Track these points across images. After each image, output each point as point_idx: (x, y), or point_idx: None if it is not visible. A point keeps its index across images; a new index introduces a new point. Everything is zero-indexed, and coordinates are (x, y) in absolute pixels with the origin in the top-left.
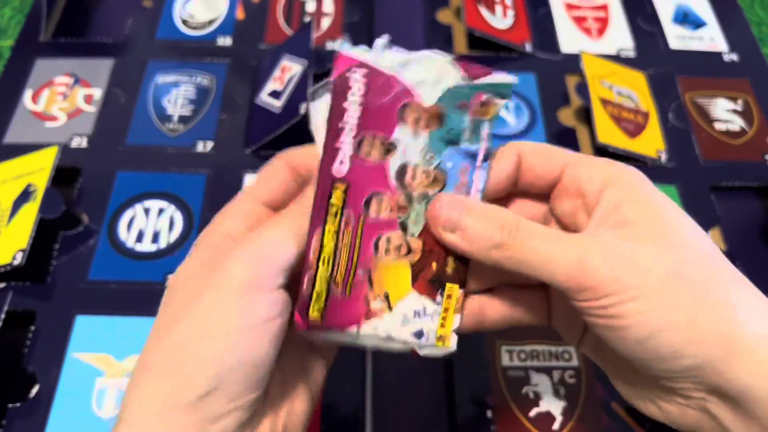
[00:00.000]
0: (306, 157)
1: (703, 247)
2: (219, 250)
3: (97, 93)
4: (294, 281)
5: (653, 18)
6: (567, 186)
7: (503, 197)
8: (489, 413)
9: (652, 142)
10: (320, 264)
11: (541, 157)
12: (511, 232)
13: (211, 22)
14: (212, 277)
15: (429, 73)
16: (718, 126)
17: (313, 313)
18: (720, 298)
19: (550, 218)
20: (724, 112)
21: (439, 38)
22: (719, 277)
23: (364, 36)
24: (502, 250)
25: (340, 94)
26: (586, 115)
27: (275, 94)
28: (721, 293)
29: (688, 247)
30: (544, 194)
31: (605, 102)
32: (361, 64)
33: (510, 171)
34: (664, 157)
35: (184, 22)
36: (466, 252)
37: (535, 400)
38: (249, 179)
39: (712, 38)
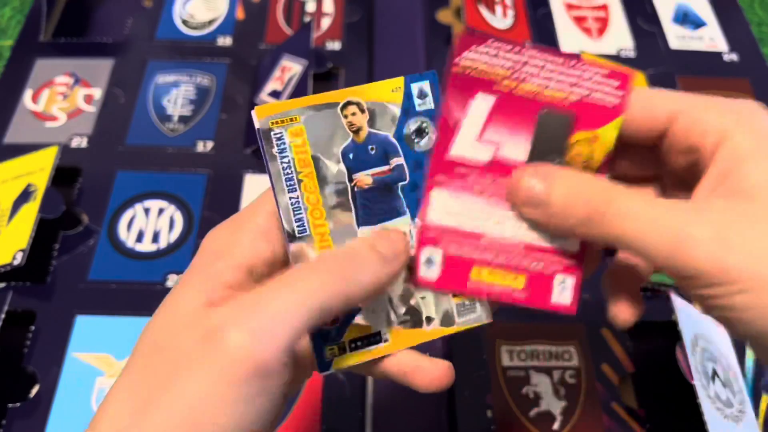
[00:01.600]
0: None
1: None
2: (226, 287)
3: (97, 93)
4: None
5: (653, 18)
6: (677, 138)
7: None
8: (489, 413)
9: None
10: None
11: (644, 108)
12: (600, 207)
13: (211, 22)
14: (204, 349)
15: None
16: None
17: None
18: None
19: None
20: None
21: (439, 38)
22: None
23: (364, 36)
24: (590, 227)
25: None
26: None
27: (275, 94)
28: None
29: None
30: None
31: None
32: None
33: None
34: None
35: (184, 22)
36: (552, 229)
37: (535, 400)
38: (249, 179)
39: (712, 38)
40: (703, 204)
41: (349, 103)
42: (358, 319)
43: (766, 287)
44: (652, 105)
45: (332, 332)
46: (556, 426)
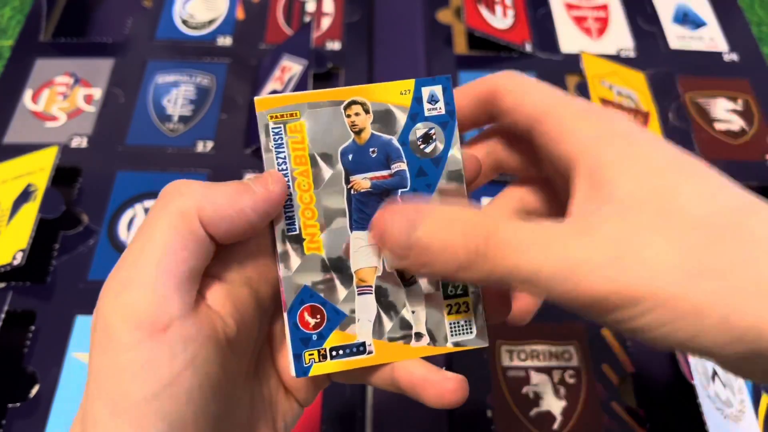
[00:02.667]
0: None
1: (716, 214)
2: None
3: (97, 93)
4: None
5: (653, 18)
6: (540, 144)
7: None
8: (489, 413)
9: None
10: None
11: (512, 102)
12: (479, 247)
13: (211, 22)
14: (94, 325)
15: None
16: (718, 126)
17: None
18: (754, 278)
19: None
20: (724, 112)
21: (439, 38)
22: (745, 252)
23: (364, 36)
24: (473, 270)
25: None
26: None
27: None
28: (754, 272)
29: (699, 222)
30: None
31: (605, 102)
32: None
33: (471, 105)
34: None
35: (184, 22)
36: (432, 276)
37: (535, 400)
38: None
39: (712, 38)
40: (583, 222)
41: (353, 103)
42: (345, 329)
43: (671, 300)
44: (520, 102)
45: (313, 337)
46: (556, 426)
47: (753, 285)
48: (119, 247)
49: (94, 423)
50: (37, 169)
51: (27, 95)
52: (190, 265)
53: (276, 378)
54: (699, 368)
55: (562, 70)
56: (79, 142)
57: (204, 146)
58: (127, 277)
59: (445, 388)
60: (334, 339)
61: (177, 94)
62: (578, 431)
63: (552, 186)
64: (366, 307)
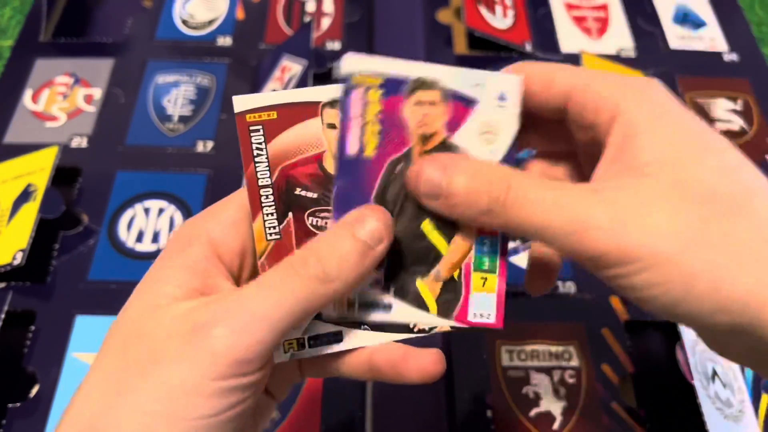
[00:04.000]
0: None
1: (729, 189)
2: (200, 277)
3: (97, 93)
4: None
5: (653, 18)
6: (574, 117)
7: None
8: (489, 413)
9: None
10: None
11: (542, 83)
12: (500, 196)
13: (211, 22)
14: (189, 342)
15: None
16: (718, 126)
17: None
18: (750, 254)
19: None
20: (724, 112)
21: (439, 38)
22: (747, 229)
23: (364, 36)
24: (493, 216)
25: None
26: None
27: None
28: (751, 248)
29: (710, 195)
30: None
31: None
32: None
33: None
34: None
35: (184, 22)
36: (456, 218)
37: (535, 400)
38: None
39: (712, 38)
40: (601, 185)
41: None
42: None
43: (665, 263)
44: (550, 80)
45: None
46: (556, 426)
47: (747, 259)
48: (119, 247)
49: (131, 417)
50: (37, 169)
51: (27, 95)
52: (293, 328)
53: None
54: (699, 368)
55: None
56: (79, 142)
57: (204, 146)
58: (247, 325)
59: (425, 360)
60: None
61: (177, 94)
62: (578, 431)
63: (575, 160)
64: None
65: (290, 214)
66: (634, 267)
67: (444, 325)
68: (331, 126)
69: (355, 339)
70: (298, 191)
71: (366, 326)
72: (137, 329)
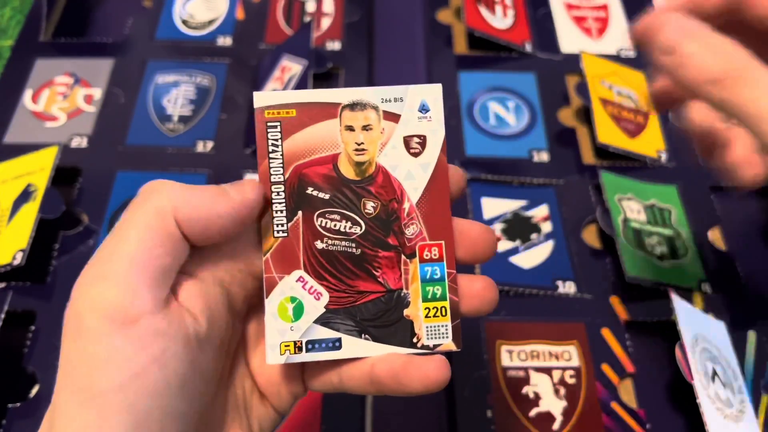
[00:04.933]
0: None
1: None
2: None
3: (97, 93)
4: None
5: None
6: None
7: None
8: (489, 413)
9: (652, 142)
10: None
11: None
12: (735, 71)
13: (211, 22)
14: (66, 316)
15: None
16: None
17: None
18: None
19: None
20: None
21: (439, 38)
22: None
23: (364, 36)
24: (719, 88)
25: None
26: (586, 115)
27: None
28: None
29: None
30: None
31: (605, 102)
32: None
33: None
34: (664, 157)
35: (184, 22)
36: (679, 79)
37: (535, 400)
38: (249, 179)
39: None
40: None
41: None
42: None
43: None
44: None
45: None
46: (556, 426)
47: None
48: None
49: (62, 412)
50: (37, 169)
51: (27, 95)
52: (163, 261)
53: (250, 381)
54: (699, 368)
55: (562, 70)
56: (79, 142)
57: (204, 146)
58: (100, 270)
59: (428, 368)
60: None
61: (177, 94)
62: (578, 431)
63: None
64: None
65: (300, 213)
66: None
67: (406, 351)
68: (349, 128)
69: (355, 348)
70: (309, 191)
71: (368, 336)
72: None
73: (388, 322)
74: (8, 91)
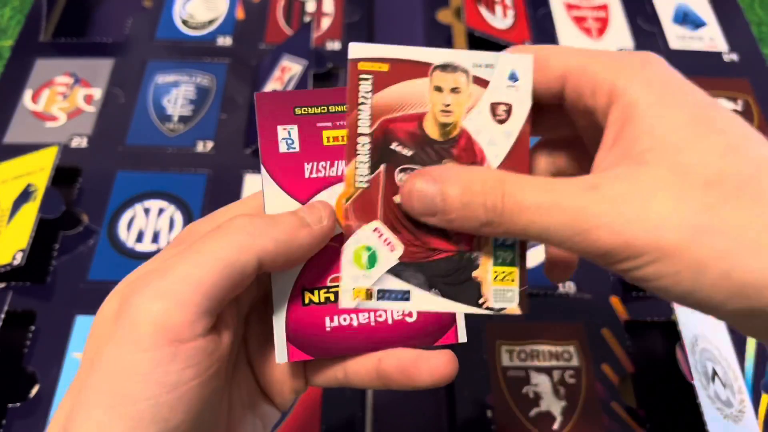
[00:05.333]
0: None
1: (736, 169)
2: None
3: (97, 93)
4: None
5: (653, 18)
6: (572, 101)
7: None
8: (489, 413)
9: None
10: None
11: (537, 67)
12: (497, 205)
13: (211, 22)
14: (115, 320)
15: None
16: None
17: None
18: (758, 238)
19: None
20: None
21: (439, 38)
22: (755, 212)
23: (364, 36)
24: (492, 227)
25: None
26: None
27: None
28: (759, 231)
29: (716, 178)
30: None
31: None
32: None
33: None
34: None
35: (184, 22)
36: (457, 231)
37: (535, 400)
38: (249, 179)
39: (712, 38)
40: (599, 177)
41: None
42: (395, 275)
43: (672, 254)
44: (545, 63)
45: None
46: (556, 426)
47: (757, 243)
48: (119, 247)
49: (87, 415)
50: (37, 169)
51: (27, 95)
52: (229, 295)
53: (253, 380)
54: (699, 368)
55: None
56: (79, 142)
57: (204, 146)
58: (166, 289)
59: (437, 362)
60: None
61: (177, 94)
62: (578, 431)
63: (581, 145)
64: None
65: (382, 166)
66: (642, 260)
67: (472, 311)
68: (438, 89)
69: (423, 302)
70: (394, 146)
71: (437, 291)
72: (95, 325)
73: (457, 281)
74: (8, 91)
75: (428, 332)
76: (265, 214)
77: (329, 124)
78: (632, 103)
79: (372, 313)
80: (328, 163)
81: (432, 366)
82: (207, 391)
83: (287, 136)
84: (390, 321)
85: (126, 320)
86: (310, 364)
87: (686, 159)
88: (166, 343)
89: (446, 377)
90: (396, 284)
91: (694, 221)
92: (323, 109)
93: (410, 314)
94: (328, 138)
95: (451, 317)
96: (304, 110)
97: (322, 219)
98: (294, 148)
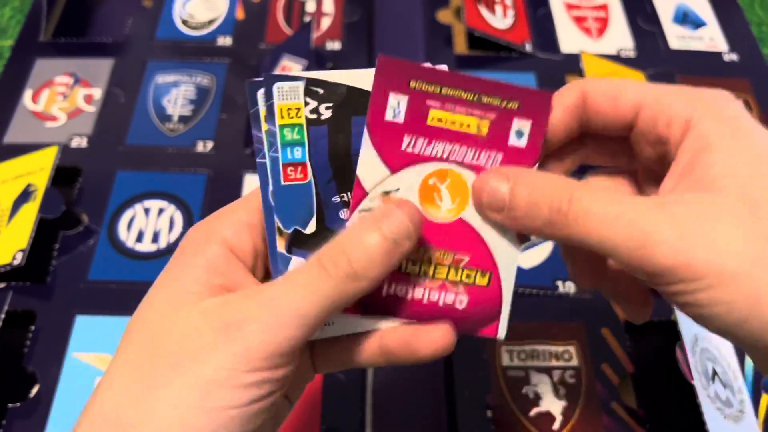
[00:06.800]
0: None
1: None
2: (221, 275)
3: (97, 93)
4: None
5: (653, 18)
6: (643, 131)
7: (575, 139)
8: (489, 413)
9: None
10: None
11: (608, 98)
12: (562, 208)
13: (211, 22)
14: (222, 336)
15: None
16: None
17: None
18: None
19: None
20: None
21: (439, 38)
22: None
23: (364, 36)
24: (554, 228)
25: None
26: None
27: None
28: None
29: None
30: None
31: None
32: None
33: (566, 118)
34: None
35: (184, 22)
36: (519, 230)
37: (535, 400)
38: (249, 179)
39: (712, 38)
40: (668, 199)
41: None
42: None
43: (731, 282)
44: (617, 96)
45: None
46: (556, 426)
47: None
48: (119, 247)
49: (171, 410)
50: (37, 169)
51: (27, 95)
52: (323, 324)
53: None
54: (699, 368)
55: (562, 70)
56: (79, 142)
57: (204, 146)
58: (281, 322)
59: (436, 335)
60: None
61: (177, 94)
62: (578, 431)
63: (634, 177)
64: None
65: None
66: (699, 284)
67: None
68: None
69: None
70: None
71: None
72: (164, 324)
73: None
74: (8, 91)
75: (473, 321)
76: (353, 241)
77: (438, 104)
78: (706, 135)
79: (427, 291)
80: (426, 141)
81: (432, 338)
82: (280, 400)
83: (396, 106)
84: (441, 303)
85: (240, 342)
86: (318, 351)
87: (755, 192)
88: (269, 367)
89: (446, 348)
90: None
91: (758, 252)
92: (437, 88)
93: (461, 301)
94: (432, 118)
95: (497, 311)
96: (419, 84)
97: (410, 232)
98: (399, 119)
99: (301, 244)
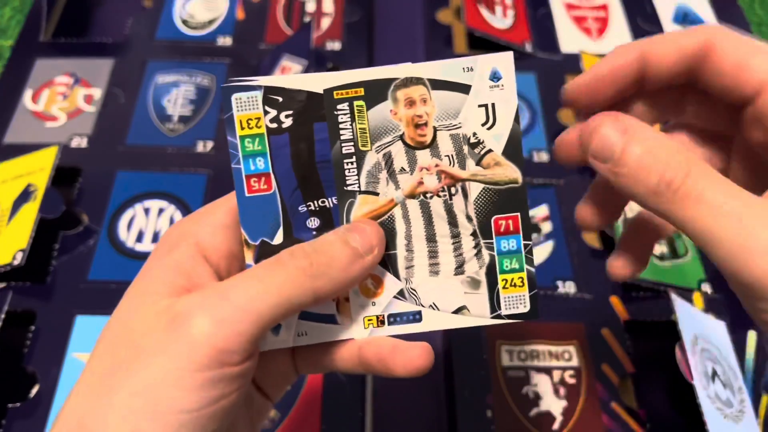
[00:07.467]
0: None
1: None
2: (186, 276)
3: (97, 93)
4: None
5: (653, 18)
6: (763, 114)
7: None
8: (489, 413)
9: None
10: None
11: (733, 65)
12: (674, 181)
13: (211, 22)
14: (169, 334)
15: None
16: None
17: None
18: None
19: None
20: None
21: (439, 38)
22: None
23: (364, 36)
24: (660, 201)
25: None
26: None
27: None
28: None
29: None
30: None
31: None
32: None
33: (674, 62)
34: None
35: (184, 22)
36: (618, 188)
37: (535, 400)
38: None
39: None
40: None
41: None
42: (402, 299)
43: None
44: (743, 65)
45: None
46: (556, 426)
47: None
48: (119, 247)
49: (122, 419)
50: (37, 169)
51: (27, 95)
52: (274, 325)
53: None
54: (699, 368)
55: (562, 70)
56: (79, 142)
57: (204, 146)
58: (229, 316)
59: (412, 354)
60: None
61: (177, 94)
62: (578, 431)
63: (721, 144)
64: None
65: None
66: None
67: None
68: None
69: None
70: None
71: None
72: (124, 328)
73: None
74: (8, 91)
75: None
76: (316, 246)
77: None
78: None
79: None
80: None
81: (407, 358)
82: (239, 402)
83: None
84: None
85: (184, 338)
86: (299, 353)
87: None
88: (218, 365)
89: (420, 369)
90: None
91: None
92: None
93: None
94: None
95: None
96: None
97: (373, 247)
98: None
99: (269, 255)
